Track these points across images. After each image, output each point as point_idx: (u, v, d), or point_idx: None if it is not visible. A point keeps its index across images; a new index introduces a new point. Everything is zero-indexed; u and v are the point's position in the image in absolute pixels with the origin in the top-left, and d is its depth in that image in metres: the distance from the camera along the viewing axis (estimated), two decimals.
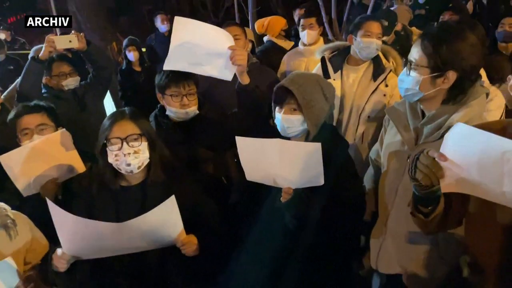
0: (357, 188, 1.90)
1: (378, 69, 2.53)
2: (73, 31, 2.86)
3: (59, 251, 1.44)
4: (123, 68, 4.74)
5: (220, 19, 11.26)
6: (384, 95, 2.50)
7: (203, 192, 1.77)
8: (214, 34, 1.95)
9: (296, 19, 4.66)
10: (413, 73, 1.54)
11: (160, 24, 5.38)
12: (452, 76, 1.51)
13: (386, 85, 2.52)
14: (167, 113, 2.12)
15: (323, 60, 2.66)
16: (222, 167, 2.21)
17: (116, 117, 1.62)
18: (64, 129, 1.99)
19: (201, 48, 1.92)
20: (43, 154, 1.89)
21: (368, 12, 5.91)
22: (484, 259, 1.27)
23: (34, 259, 1.66)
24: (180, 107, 2.05)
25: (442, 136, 1.53)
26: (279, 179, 1.70)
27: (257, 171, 1.76)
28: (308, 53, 3.49)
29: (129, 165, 1.58)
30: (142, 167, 1.62)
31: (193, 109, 2.08)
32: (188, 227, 1.52)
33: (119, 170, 1.61)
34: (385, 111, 1.86)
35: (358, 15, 6.54)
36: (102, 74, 3.08)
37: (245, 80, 2.05)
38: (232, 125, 2.13)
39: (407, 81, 1.56)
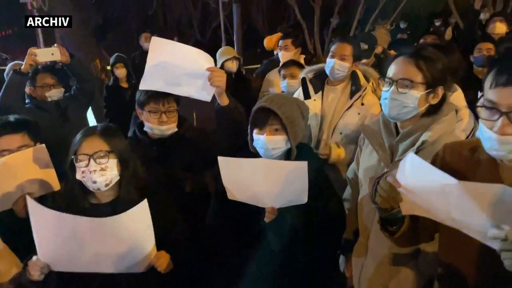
0: (336, 206, 1.90)
1: (355, 87, 2.59)
2: (55, 44, 2.87)
3: (34, 258, 1.43)
4: (110, 84, 4.73)
5: (207, 39, 11.41)
6: (359, 113, 2.53)
7: (175, 211, 1.74)
8: (193, 55, 1.95)
9: None
10: (410, 91, 1.54)
11: (144, 42, 5.42)
12: (440, 91, 1.58)
13: (362, 104, 2.55)
14: (144, 129, 2.10)
15: (303, 81, 2.70)
16: (200, 187, 2.18)
17: (86, 133, 1.59)
18: (42, 145, 1.93)
19: (179, 68, 1.91)
20: (15, 169, 1.83)
21: (351, 34, 6.07)
22: (457, 272, 1.28)
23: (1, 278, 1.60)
24: (158, 123, 2.03)
25: (416, 153, 1.54)
26: (262, 198, 1.68)
27: (240, 191, 1.73)
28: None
29: (95, 182, 1.55)
30: (110, 185, 1.59)
31: (170, 127, 2.06)
32: (159, 246, 1.49)
33: (87, 187, 1.59)
34: (360, 130, 1.88)
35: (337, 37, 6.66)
36: (85, 87, 3.09)
37: (224, 101, 2.04)
38: (211, 144, 2.11)
39: (404, 99, 1.55)
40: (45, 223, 1.39)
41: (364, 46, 3.64)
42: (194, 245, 1.74)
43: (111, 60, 4.70)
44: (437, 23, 8.43)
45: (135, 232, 1.41)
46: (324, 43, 6.34)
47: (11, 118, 1.97)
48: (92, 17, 8.68)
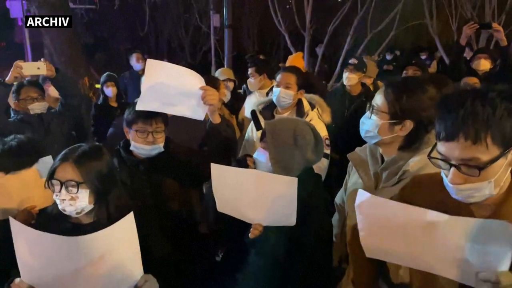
0: (324, 233, 1.88)
1: (299, 113, 2.76)
2: (42, 59, 2.87)
3: (17, 280, 1.38)
4: (99, 103, 4.69)
5: (197, 61, 11.50)
6: None
7: (160, 234, 1.69)
8: (186, 75, 1.99)
9: None
10: (373, 117, 1.61)
11: (135, 62, 5.44)
12: (409, 125, 1.57)
13: None
14: (131, 148, 2.07)
15: (253, 113, 2.86)
16: (186, 206, 2.16)
17: (63, 157, 1.54)
18: (48, 157, 1.86)
19: (173, 88, 1.95)
20: (18, 182, 1.80)
21: (339, 64, 6.19)
22: None
23: None
24: (144, 143, 2.01)
25: (398, 182, 1.59)
26: (250, 213, 1.68)
27: (229, 203, 1.74)
28: (260, 96, 3.83)
29: (64, 210, 1.53)
30: (82, 213, 1.55)
31: (156, 147, 2.04)
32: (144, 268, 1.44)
33: None
34: (348, 156, 1.88)
35: (322, 68, 6.78)
36: (71, 102, 3.06)
37: (216, 119, 2.09)
38: (201, 162, 2.10)
39: (368, 123, 1.63)
40: (28, 244, 1.34)
41: (355, 61, 3.82)
42: (178, 266, 1.68)
43: (102, 78, 4.69)
44: (423, 57, 8.70)
45: (120, 248, 1.36)
46: (313, 71, 6.45)
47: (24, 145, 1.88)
48: (82, 36, 8.70)
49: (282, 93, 2.71)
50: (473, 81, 3.53)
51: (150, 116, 1.99)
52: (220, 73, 4.43)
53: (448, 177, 1.08)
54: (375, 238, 1.18)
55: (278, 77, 2.77)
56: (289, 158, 1.84)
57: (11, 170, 1.78)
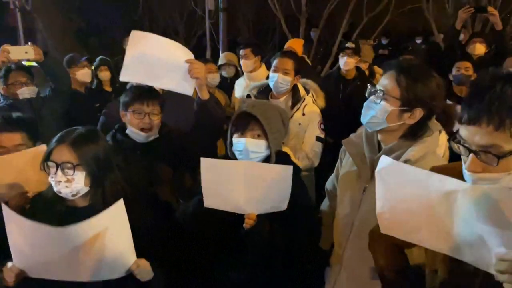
0: (310, 215, 1.91)
1: (295, 98, 2.74)
2: (29, 42, 2.84)
3: (9, 264, 1.40)
4: (93, 87, 4.66)
5: (192, 46, 11.39)
6: (300, 123, 2.66)
7: (153, 217, 1.71)
8: (172, 48, 1.93)
9: None
10: (383, 102, 1.54)
11: None
12: (419, 113, 1.54)
13: (303, 114, 2.69)
14: (127, 132, 2.07)
15: (248, 97, 2.82)
16: (179, 189, 2.17)
17: (59, 139, 1.55)
18: (43, 145, 1.85)
19: (159, 60, 1.89)
20: (15, 167, 1.79)
21: (335, 47, 6.16)
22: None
23: None
24: (141, 124, 2.01)
25: None
26: (242, 204, 1.66)
27: (219, 196, 1.69)
28: (249, 79, 3.83)
29: (59, 192, 1.53)
30: (78, 195, 1.56)
31: (151, 134, 2.05)
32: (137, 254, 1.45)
33: None
34: (342, 143, 1.87)
35: (318, 52, 6.75)
36: (61, 86, 3.03)
37: (204, 94, 2.05)
38: (190, 143, 2.11)
39: (375, 108, 1.56)
40: (19, 231, 1.35)
41: (352, 45, 3.79)
42: (170, 253, 1.71)
43: (95, 63, 4.64)
44: (418, 41, 8.66)
45: (111, 234, 1.37)
46: (309, 55, 6.42)
47: (13, 115, 1.95)
48: (75, 21, 8.57)
49: (281, 79, 2.68)
50: (466, 65, 3.53)
51: (146, 98, 1.98)
52: (223, 57, 4.53)
53: (466, 163, 1.03)
54: (393, 210, 1.12)
55: (275, 62, 2.73)
56: (280, 139, 1.86)
57: None
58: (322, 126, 2.77)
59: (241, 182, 1.62)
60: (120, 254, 1.42)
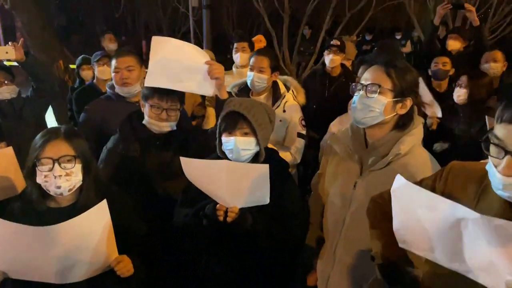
0: (298, 208, 1.93)
1: (275, 96, 2.79)
2: (10, 43, 2.80)
3: None
4: (75, 86, 4.59)
5: None
6: (280, 120, 2.70)
7: (136, 215, 1.72)
8: (190, 51, 2.02)
9: None
10: (378, 96, 1.57)
11: (108, 43, 5.30)
12: (409, 103, 1.61)
13: (284, 110, 2.74)
14: (144, 122, 2.10)
15: (230, 96, 2.80)
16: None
17: (50, 136, 1.54)
18: (9, 148, 1.84)
19: (180, 64, 1.97)
20: None
21: (318, 45, 6.20)
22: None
23: None
24: (157, 119, 2.04)
25: (388, 164, 1.60)
26: (225, 199, 1.69)
27: (203, 188, 1.75)
28: (239, 75, 3.71)
29: (59, 187, 1.51)
30: (73, 189, 1.56)
31: (167, 125, 2.07)
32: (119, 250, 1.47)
33: (47, 192, 1.54)
34: (329, 139, 1.90)
35: (307, 48, 6.81)
36: (42, 86, 3.00)
37: (224, 95, 2.11)
38: (208, 141, 2.13)
39: (371, 103, 1.58)
40: (0, 233, 1.34)
41: (337, 42, 3.86)
42: (155, 248, 1.72)
43: (77, 61, 4.58)
44: (398, 36, 8.77)
45: (94, 234, 1.38)
46: (293, 52, 6.44)
47: None
48: (55, 18, 8.40)
49: (256, 77, 2.72)
50: (444, 60, 3.61)
51: (166, 93, 2.01)
52: None
53: (499, 166, 0.96)
54: (408, 229, 1.13)
55: (252, 60, 2.77)
56: (268, 135, 1.89)
57: None
58: (303, 123, 2.81)
59: (222, 179, 1.65)
60: (102, 253, 1.42)
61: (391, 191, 1.17)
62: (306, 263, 1.99)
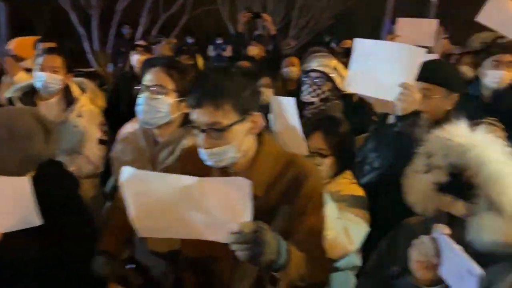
0: None
1: (67, 99, 2.56)
2: None
3: None
4: None
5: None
6: (75, 126, 2.48)
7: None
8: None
9: None
10: (163, 97, 1.63)
11: None
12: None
13: (80, 115, 2.52)
14: None
15: (10, 102, 2.48)
16: None
17: None
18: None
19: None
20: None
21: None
22: None
23: None
24: None
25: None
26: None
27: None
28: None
29: None
30: None
31: None
32: None
33: None
34: (119, 140, 1.89)
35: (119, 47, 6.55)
36: None
37: None
38: None
39: (157, 104, 1.63)
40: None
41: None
42: None
43: None
44: (219, 41, 9.19)
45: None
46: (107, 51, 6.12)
47: None
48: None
49: (50, 78, 2.43)
50: (245, 65, 3.93)
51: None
52: None
53: (200, 142, 1.20)
54: (145, 215, 1.19)
55: (41, 59, 2.46)
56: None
57: None
58: (105, 128, 2.65)
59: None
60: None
61: (120, 183, 1.20)
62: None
